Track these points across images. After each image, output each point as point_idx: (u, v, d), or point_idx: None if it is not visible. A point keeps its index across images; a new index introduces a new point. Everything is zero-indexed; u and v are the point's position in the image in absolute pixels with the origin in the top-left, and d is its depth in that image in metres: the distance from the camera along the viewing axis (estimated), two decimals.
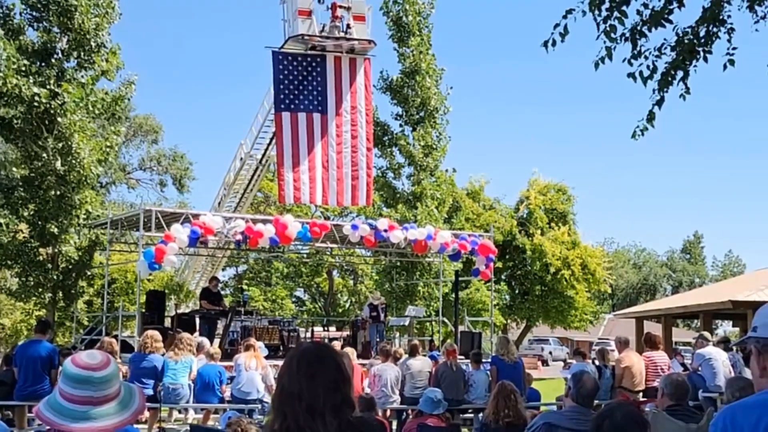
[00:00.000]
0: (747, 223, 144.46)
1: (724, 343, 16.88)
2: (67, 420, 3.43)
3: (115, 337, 21.27)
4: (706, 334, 17.55)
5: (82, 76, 23.94)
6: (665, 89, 10.71)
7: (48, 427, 3.46)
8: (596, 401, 9.91)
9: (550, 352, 59.50)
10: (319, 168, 24.17)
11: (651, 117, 10.98)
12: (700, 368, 15.32)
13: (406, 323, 32.37)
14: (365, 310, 25.52)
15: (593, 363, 16.92)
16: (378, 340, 22.38)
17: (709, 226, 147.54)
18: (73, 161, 23.33)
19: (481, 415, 13.83)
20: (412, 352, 16.74)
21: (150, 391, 14.15)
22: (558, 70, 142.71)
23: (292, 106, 24.02)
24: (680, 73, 10.68)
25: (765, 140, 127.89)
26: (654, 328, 31.87)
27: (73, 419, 3.43)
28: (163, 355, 15.14)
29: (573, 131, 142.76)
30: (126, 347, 18.69)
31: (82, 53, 23.87)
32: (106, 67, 24.32)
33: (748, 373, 13.09)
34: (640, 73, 10.50)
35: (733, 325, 49.43)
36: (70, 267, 24.66)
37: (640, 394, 15.05)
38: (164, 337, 19.41)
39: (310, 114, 24.14)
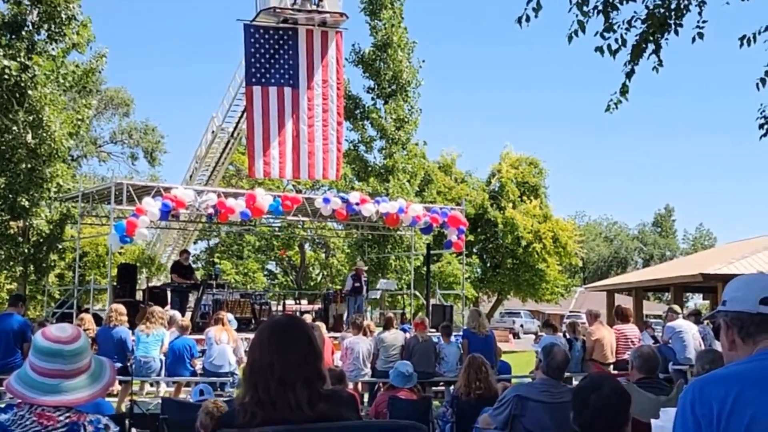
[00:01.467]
0: (718, 196, 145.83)
1: (695, 316, 17.01)
2: (38, 393, 3.42)
3: (87, 310, 21.20)
4: (676, 307, 17.70)
5: (53, 49, 23.65)
6: (636, 61, 10.75)
7: (19, 401, 3.45)
8: (566, 374, 9.98)
9: (522, 325, 59.85)
10: (289, 142, 24.09)
11: (624, 90, 11.02)
12: (670, 341, 15.45)
13: (378, 296, 32.46)
14: (348, 281, 25.37)
15: (564, 336, 17.02)
16: (355, 312, 22.22)
17: (680, 200, 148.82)
18: (44, 134, 23.10)
19: (452, 387, 13.90)
20: (387, 325, 16.75)
21: (118, 364, 14.13)
22: (531, 44, 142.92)
23: (263, 80, 23.89)
24: (651, 46, 10.72)
25: (736, 114, 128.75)
26: (625, 301, 32.12)
27: (44, 392, 3.42)
28: (129, 328, 15.14)
29: (545, 105, 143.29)
30: (98, 320, 18.59)
31: (53, 26, 23.56)
32: (76, 39, 24.04)
33: (718, 346, 13.24)
34: (608, 46, 10.53)
35: (704, 298, 49.80)
36: (42, 240, 24.49)
37: (611, 366, 15.16)
38: (136, 310, 19.43)
39: (281, 88, 24.02)
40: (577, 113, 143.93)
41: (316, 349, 3.34)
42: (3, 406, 3.48)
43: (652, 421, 4.29)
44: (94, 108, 34.08)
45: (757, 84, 11.04)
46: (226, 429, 3.04)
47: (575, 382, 14.73)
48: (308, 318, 20.24)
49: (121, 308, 15.27)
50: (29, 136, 23.04)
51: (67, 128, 24.01)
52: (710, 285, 30.41)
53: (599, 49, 10.56)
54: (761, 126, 12.21)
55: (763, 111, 12.21)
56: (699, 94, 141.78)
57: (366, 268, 27.09)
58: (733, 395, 2.91)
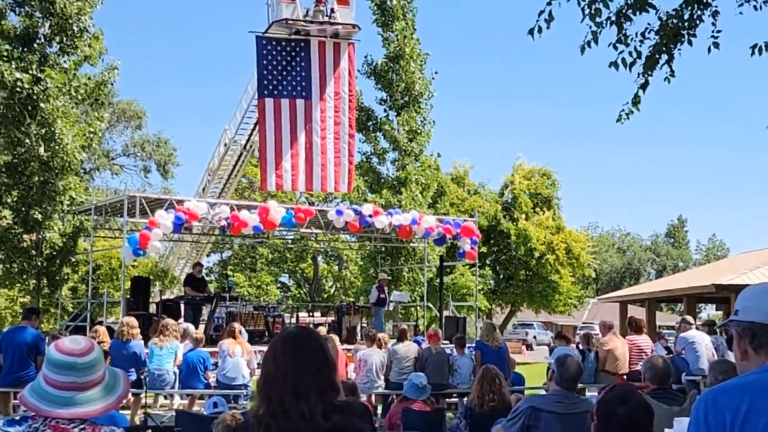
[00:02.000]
0: (731, 207, 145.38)
1: (708, 327, 16.99)
2: (53, 406, 3.43)
3: (101, 323, 21.25)
4: (689, 317, 17.67)
5: (65, 62, 23.76)
6: (650, 72, 10.74)
7: (33, 413, 3.46)
8: (580, 385, 9.96)
9: (535, 337, 59.67)
10: (302, 154, 24.08)
11: (636, 101, 11.01)
12: (683, 351, 15.41)
13: (391, 308, 32.44)
14: (373, 292, 25.37)
15: (577, 347, 17.00)
16: (384, 324, 22.01)
17: (693, 211, 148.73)
18: (57, 147, 23.18)
19: (465, 399, 13.88)
20: (400, 337, 16.77)
21: (133, 376, 14.16)
22: (543, 56, 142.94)
23: (276, 92, 23.89)
24: (665, 57, 10.72)
25: (749, 125, 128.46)
26: (638, 312, 32.09)
27: (58, 405, 3.43)
28: (143, 341, 15.18)
29: (557, 116, 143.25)
30: (112, 333, 18.61)
31: (65, 38, 23.67)
32: (88, 52, 24.13)
33: (731, 356, 13.19)
34: (623, 60, 10.52)
35: (717, 309, 49.70)
36: (55, 253, 24.54)
37: (624, 377, 15.13)
38: (149, 323, 19.46)
39: (293, 100, 24.02)
40: (589, 124, 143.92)
41: (330, 360, 3.35)
42: (17, 418, 3.49)
43: (666, 430, 4.28)
44: (107, 121, 34.22)
45: None
46: None
47: (588, 394, 14.72)
48: (322, 330, 20.22)
49: (133, 321, 15.30)
50: (42, 149, 23.14)
51: (80, 141, 24.08)
52: (723, 295, 30.34)
53: (614, 63, 10.56)
54: None
55: None
56: (710, 105, 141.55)
57: (389, 278, 27.02)
58: (746, 405, 2.90)
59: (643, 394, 7.19)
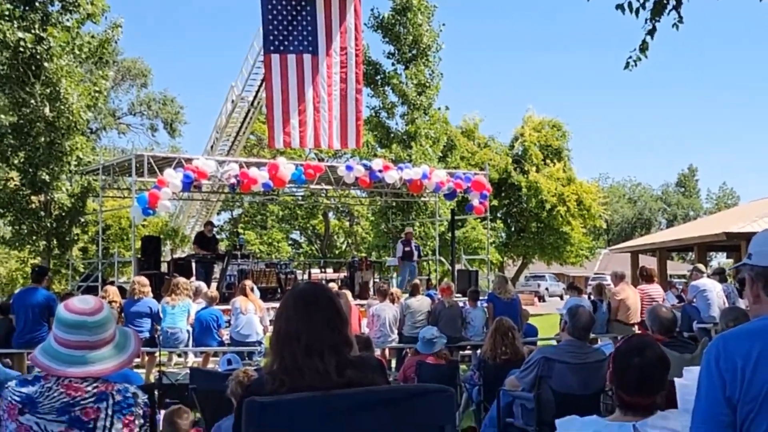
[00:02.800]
0: (741, 155, 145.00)
1: (719, 275, 16.97)
2: (64, 365, 3.43)
3: (112, 283, 21.30)
4: (701, 266, 17.65)
5: (68, 20, 23.52)
6: (657, 18, 10.65)
7: (46, 373, 3.46)
8: (592, 335, 9.98)
9: (547, 288, 59.84)
10: (310, 110, 23.87)
11: (644, 47, 10.93)
12: (694, 300, 15.42)
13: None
14: (398, 246, 25.33)
15: (589, 297, 17.02)
16: (409, 279, 21.76)
17: (703, 159, 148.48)
18: (62, 107, 23.07)
19: (479, 351, 13.93)
20: (413, 291, 16.81)
21: (146, 334, 14.24)
22: (551, 5, 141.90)
23: (282, 48, 23.66)
24: (672, 2, 10.61)
25: (758, 72, 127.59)
26: (649, 262, 32.08)
27: (70, 364, 3.44)
28: (155, 299, 15.24)
29: (567, 67, 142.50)
30: (123, 293, 18.69)
31: None
32: (91, 10, 23.88)
33: (742, 304, 13.19)
34: (629, 4, 10.42)
35: (728, 257, 49.75)
36: (63, 214, 24.53)
37: (636, 327, 15.15)
38: (161, 282, 19.51)
39: (300, 55, 23.79)
40: (599, 75, 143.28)
41: (342, 315, 3.35)
42: (30, 378, 3.50)
43: (676, 380, 4.26)
44: (112, 79, 34.08)
45: None
46: (256, 397, 3.04)
47: (600, 342, 14.77)
48: (334, 286, 20.25)
49: (144, 280, 15.36)
50: (47, 109, 23.03)
51: (85, 100, 23.95)
52: (734, 243, 30.29)
53: (620, 6, 10.46)
54: None
55: None
56: (720, 52, 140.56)
57: (414, 233, 26.88)
58: (757, 350, 2.90)
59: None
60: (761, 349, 2.90)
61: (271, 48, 23.47)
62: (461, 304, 16.67)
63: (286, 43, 23.40)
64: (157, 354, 14.29)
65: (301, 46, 23.56)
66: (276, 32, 23.36)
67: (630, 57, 11.10)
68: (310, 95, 23.71)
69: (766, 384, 2.86)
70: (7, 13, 22.29)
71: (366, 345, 8.93)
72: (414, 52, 34.17)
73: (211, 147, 31.53)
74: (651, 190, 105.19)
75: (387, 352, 16.40)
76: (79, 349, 3.45)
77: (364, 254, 39.25)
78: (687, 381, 4.17)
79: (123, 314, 14.62)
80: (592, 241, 50.55)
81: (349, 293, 17.30)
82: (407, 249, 24.36)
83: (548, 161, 42.59)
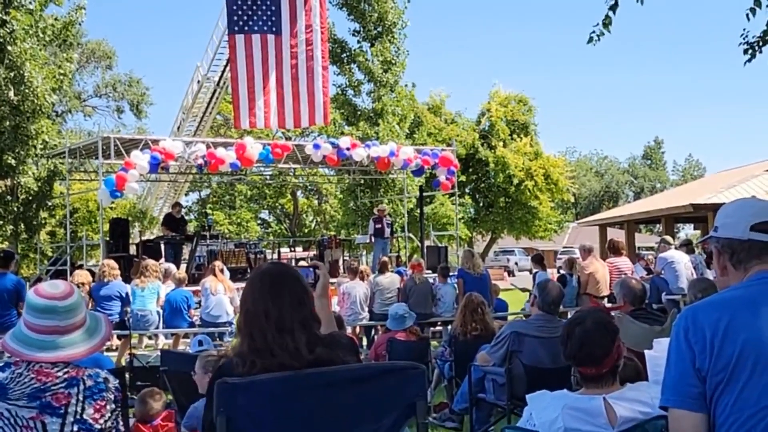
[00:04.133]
0: (706, 127, 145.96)
1: (686, 246, 17.10)
2: (35, 350, 3.42)
3: (81, 266, 21.18)
4: (668, 237, 17.77)
5: (30, 2, 23.27)
6: None
7: (16, 359, 3.45)
8: (562, 309, 10.04)
9: (516, 263, 60.03)
10: (274, 91, 23.72)
11: (607, 21, 10.98)
12: (663, 272, 15.53)
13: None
14: (370, 224, 25.22)
15: (558, 271, 17.11)
16: (381, 256, 21.63)
17: (668, 131, 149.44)
18: (27, 90, 22.84)
19: (449, 327, 13.99)
20: (382, 269, 16.82)
21: (116, 317, 14.18)
22: None
23: (246, 28, 23.47)
24: None
25: (722, 42, 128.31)
26: (617, 235, 32.25)
27: (40, 349, 3.43)
28: (124, 282, 15.19)
29: (532, 42, 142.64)
30: (93, 276, 18.59)
31: None
32: None
33: (710, 275, 13.33)
34: None
35: (695, 228, 50.06)
36: (30, 198, 24.37)
37: (605, 299, 15.25)
38: (130, 264, 19.42)
39: (265, 35, 23.60)
40: (564, 49, 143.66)
41: (308, 292, 3.39)
42: (1, 364, 3.48)
43: (646, 351, 4.31)
44: (76, 62, 33.73)
45: (747, 14, 11.00)
46: (227, 378, 3.05)
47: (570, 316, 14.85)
48: (304, 265, 20.22)
49: (113, 263, 15.31)
50: (11, 93, 22.77)
51: (50, 83, 23.73)
52: (701, 215, 30.54)
53: None
54: (745, 51, 12.22)
55: (746, 36, 12.21)
56: (685, 24, 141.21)
57: (384, 207, 26.82)
58: (725, 321, 2.94)
59: (624, 315, 7.28)
60: (729, 319, 2.93)
61: (236, 28, 23.31)
62: (431, 281, 16.72)
63: (250, 23, 23.23)
64: (128, 337, 14.25)
65: (265, 26, 23.40)
66: (240, 12, 23.19)
67: (593, 32, 11.14)
68: (274, 76, 23.58)
69: (734, 354, 2.89)
70: None
71: (338, 324, 8.95)
72: (379, 29, 34.12)
73: (178, 128, 31.33)
74: (618, 163, 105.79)
75: (357, 329, 16.45)
76: (50, 334, 3.45)
77: (333, 232, 39.26)
78: (657, 352, 4.22)
79: (92, 297, 14.55)
80: (560, 215, 50.82)
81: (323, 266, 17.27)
82: (378, 226, 24.32)
83: (515, 136, 42.69)
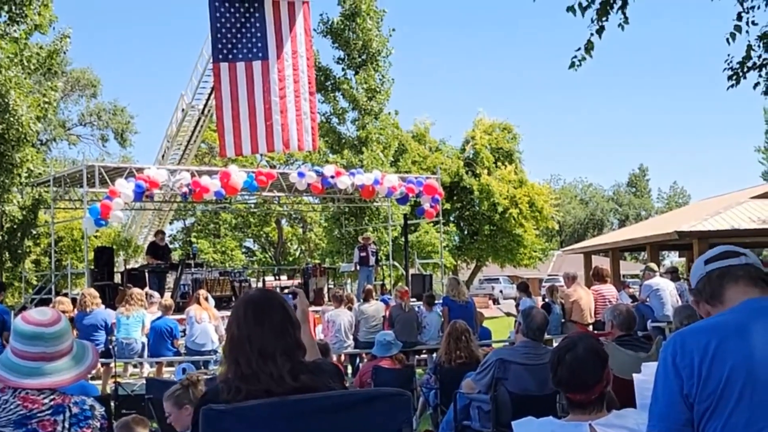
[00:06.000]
0: (691, 154, 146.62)
1: (671, 273, 17.16)
2: (21, 377, 3.42)
3: (66, 294, 21.11)
4: (653, 265, 17.84)
5: (15, 31, 23.26)
6: (604, 18, 10.78)
7: (2, 386, 3.45)
8: (547, 336, 10.06)
9: (501, 291, 59.98)
10: (261, 115, 23.64)
11: (589, 47, 11.06)
12: (648, 299, 15.59)
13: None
14: (355, 253, 25.21)
15: (542, 299, 17.15)
16: (366, 284, 21.43)
17: (653, 159, 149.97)
18: (11, 119, 22.80)
19: (434, 355, 13.98)
20: (366, 297, 16.83)
21: (102, 346, 14.14)
22: (498, 7, 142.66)
23: (230, 56, 23.43)
24: (619, 2, 10.75)
25: (707, 71, 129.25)
26: (602, 262, 32.29)
27: (26, 375, 3.43)
28: (105, 309, 15.16)
29: (516, 70, 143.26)
30: (77, 304, 18.51)
31: (13, 6, 23.11)
32: (38, 20, 23.60)
33: None
34: (579, 4, 10.55)
35: (680, 256, 50.22)
36: (15, 227, 24.29)
37: (590, 327, 15.28)
38: (115, 293, 19.37)
39: (250, 63, 23.57)
40: (548, 77, 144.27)
41: (293, 320, 3.40)
42: None
43: (634, 375, 4.33)
44: (61, 90, 33.75)
45: (728, 39, 11.14)
46: (213, 404, 3.06)
47: (555, 344, 14.86)
48: (285, 292, 20.16)
49: (94, 292, 15.35)
50: None
51: (35, 112, 23.70)
52: (686, 242, 30.62)
53: (571, 8, 10.58)
54: (729, 77, 12.34)
55: (730, 62, 12.33)
56: (669, 52, 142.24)
57: (369, 236, 26.82)
58: (713, 345, 2.94)
59: (610, 342, 7.29)
60: (717, 344, 2.94)
61: (220, 57, 23.29)
62: (416, 308, 16.73)
63: (235, 51, 23.23)
64: (112, 365, 14.19)
65: (250, 54, 23.39)
66: (225, 40, 23.17)
67: (575, 57, 11.22)
68: (260, 101, 23.51)
69: (722, 380, 2.89)
70: None
71: (324, 351, 8.94)
72: (364, 57, 34.27)
73: (162, 156, 31.33)
74: (602, 191, 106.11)
75: (342, 357, 16.43)
76: (36, 361, 3.45)
77: (317, 261, 39.19)
78: (645, 376, 4.24)
79: (76, 327, 14.49)
80: (545, 243, 50.82)
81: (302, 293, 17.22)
82: (363, 254, 24.33)
83: (499, 164, 42.76)
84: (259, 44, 23.47)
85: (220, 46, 23.24)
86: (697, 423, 2.96)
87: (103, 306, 15.19)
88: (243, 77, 23.31)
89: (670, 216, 47.58)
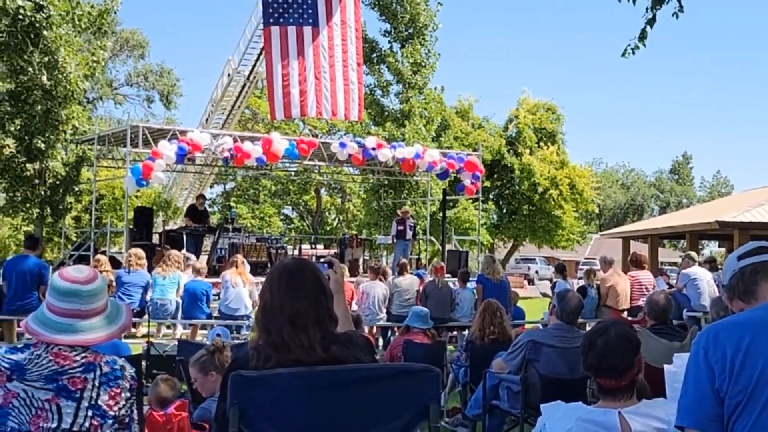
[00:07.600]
0: (735, 144, 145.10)
1: (710, 263, 16.99)
2: (54, 332, 3.45)
3: (104, 252, 21.29)
4: (693, 253, 17.64)
5: None
6: (658, 6, 10.62)
7: (36, 340, 3.48)
8: (581, 320, 10.01)
9: (537, 272, 59.79)
10: (311, 80, 23.57)
11: (643, 36, 10.90)
12: (684, 288, 15.46)
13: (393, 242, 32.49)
14: (393, 225, 25.23)
15: (578, 282, 17.05)
16: (401, 258, 20.94)
17: (698, 147, 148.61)
18: (60, 76, 22.97)
19: (466, 332, 13.96)
20: (401, 270, 16.79)
21: (136, 305, 14.26)
22: None
23: (281, 20, 23.37)
24: None
25: (755, 60, 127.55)
26: (641, 248, 32.06)
27: (60, 332, 3.45)
28: (149, 271, 15.26)
29: (563, 50, 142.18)
30: (114, 263, 18.65)
31: None
32: None
33: None
34: None
35: (719, 246, 49.81)
36: (58, 183, 24.47)
37: (625, 312, 15.18)
38: (152, 253, 19.51)
39: (300, 27, 23.49)
40: (595, 59, 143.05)
41: (327, 290, 3.38)
42: (20, 345, 3.51)
43: (665, 366, 4.28)
44: (110, 50, 33.90)
45: None
46: (242, 371, 3.07)
47: (589, 328, 14.79)
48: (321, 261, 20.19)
49: (140, 252, 15.41)
50: (44, 78, 22.92)
51: (83, 70, 23.87)
52: (726, 232, 30.34)
53: None
54: None
55: None
56: (718, 41, 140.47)
57: (407, 210, 26.77)
58: (747, 340, 2.89)
59: (644, 330, 7.24)
60: (751, 339, 2.89)
61: (271, 20, 23.23)
62: (451, 285, 16.69)
63: (286, 15, 23.15)
64: (143, 325, 14.30)
65: (301, 19, 23.30)
66: (276, 5, 23.10)
67: (629, 45, 11.08)
68: (311, 65, 23.44)
69: (755, 376, 2.84)
70: None
71: (355, 323, 8.96)
72: (410, 31, 34.13)
73: (206, 120, 31.46)
74: (644, 177, 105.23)
75: (374, 330, 16.43)
76: (71, 318, 3.47)
77: (354, 232, 39.28)
78: (676, 368, 4.19)
79: (115, 283, 14.62)
80: (583, 226, 50.59)
81: (345, 267, 17.26)
82: (401, 228, 24.29)
83: (542, 144, 42.57)
84: (310, 11, 23.39)
85: (271, 10, 23.19)
86: (727, 419, 2.90)
87: (146, 267, 15.29)
88: (294, 41, 23.24)
89: (712, 205, 47.13)
